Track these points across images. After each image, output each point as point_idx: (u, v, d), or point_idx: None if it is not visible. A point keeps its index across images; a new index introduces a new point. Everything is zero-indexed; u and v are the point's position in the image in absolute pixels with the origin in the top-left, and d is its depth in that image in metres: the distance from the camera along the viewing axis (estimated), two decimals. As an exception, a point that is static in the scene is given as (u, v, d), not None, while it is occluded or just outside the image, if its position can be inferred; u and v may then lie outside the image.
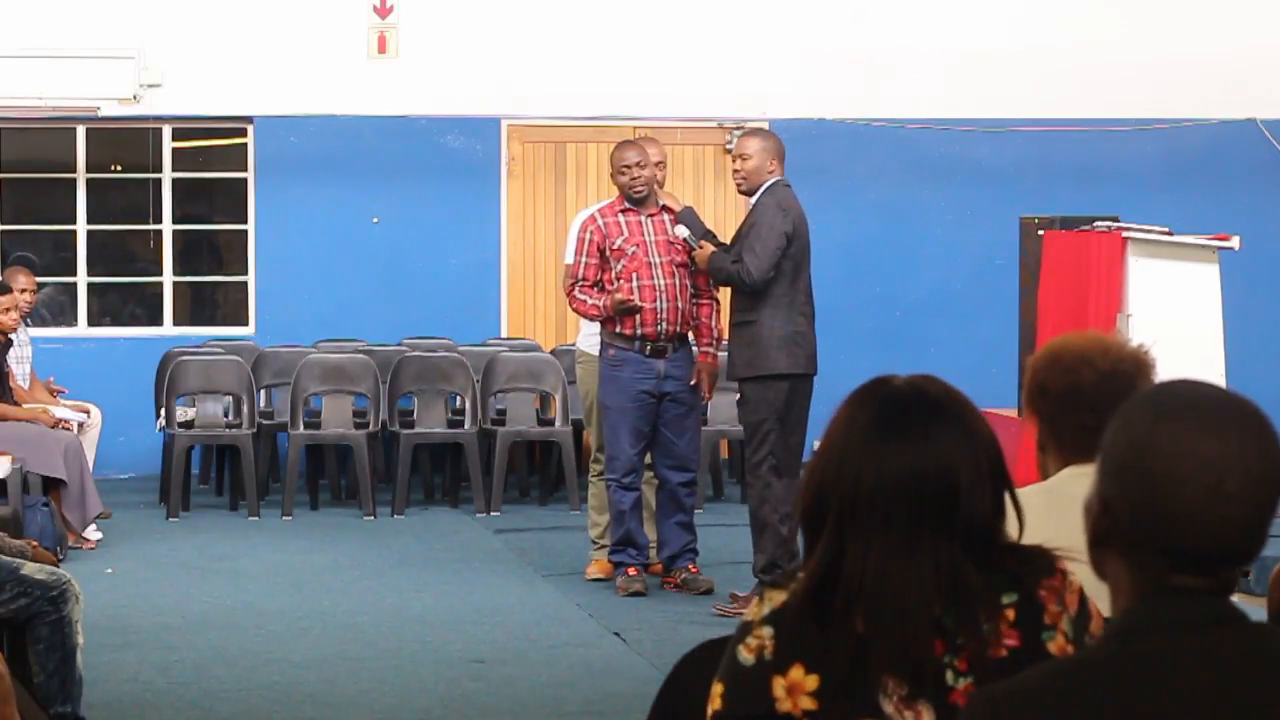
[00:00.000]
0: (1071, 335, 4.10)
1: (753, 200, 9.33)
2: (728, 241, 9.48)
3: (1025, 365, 4.05)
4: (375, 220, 14.71)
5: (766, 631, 2.83)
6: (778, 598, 2.86)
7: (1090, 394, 3.80)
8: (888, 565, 2.80)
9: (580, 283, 9.67)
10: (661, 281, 9.58)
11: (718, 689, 2.86)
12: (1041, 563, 2.89)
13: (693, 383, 9.64)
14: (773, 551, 9.08)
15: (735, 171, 9.42)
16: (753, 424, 9.20)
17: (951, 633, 2.82)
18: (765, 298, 9.14)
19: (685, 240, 9.52)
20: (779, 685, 2.80)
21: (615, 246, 9.61)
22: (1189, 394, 2.26)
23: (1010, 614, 2.85)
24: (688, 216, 9.53)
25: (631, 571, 9.64)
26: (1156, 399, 2.27)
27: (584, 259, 9.67)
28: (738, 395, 9.47)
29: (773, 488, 9.10)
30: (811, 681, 2.80)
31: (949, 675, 2.81)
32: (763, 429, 9.14)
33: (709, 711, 2.86)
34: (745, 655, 2.83)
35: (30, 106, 14.20)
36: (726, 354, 9.65)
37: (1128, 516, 2.23)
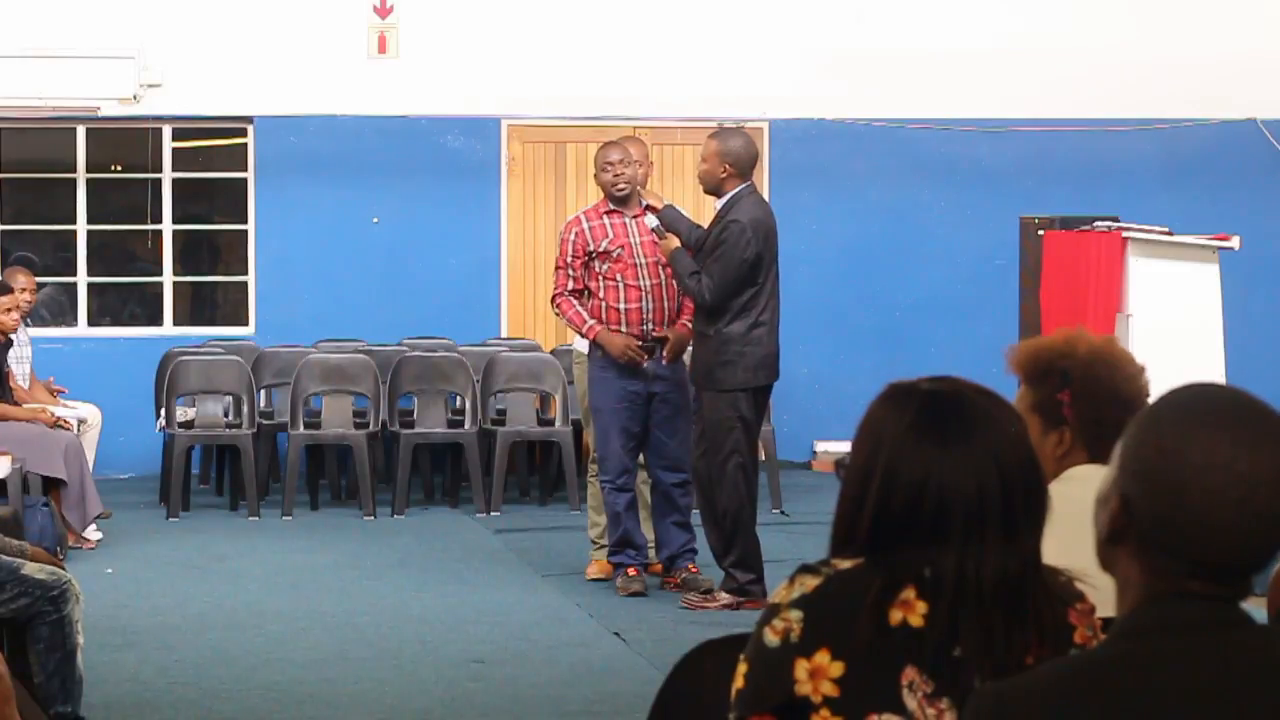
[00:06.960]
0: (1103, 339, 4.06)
1: (719, 203, 9.31)
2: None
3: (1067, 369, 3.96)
4: (375, 220, 14.70)
5: (795, 615, 2.79)
6: (810, 583, 2.82)
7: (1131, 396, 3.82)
8: (984, 567, 2.76)
9: (562, 294, 9.67)
10: (647, 282, 9.59)
11: (741, 668, 2.84)
12: (1071, 588, 2.86)
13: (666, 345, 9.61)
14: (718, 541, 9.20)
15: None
16: (711, 423, 9.17)
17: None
18: (725, 309, 9.12)
19: (655, 230, 9.53)
20: (801, 668, 2.77)
21: (600, 250, 9.62)
22: (1223, 402, 2.24)
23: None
24: (670, 215, 9.53)
25: (631, 572, 9.64)
26: (1190, 405, 2.24)
27: (568, 269, 9.66)
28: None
29: (717, 487, 9.12)
30: (836, 668, 2.77)
31: (977, 679, 2.76)
32: (717, 435, 9.13)
33: (733, 689, 2.84)
34: (771, 637, 2.80)
35: (30, 106, 14.20)
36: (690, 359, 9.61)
37: (1149, 520, 2.22)
